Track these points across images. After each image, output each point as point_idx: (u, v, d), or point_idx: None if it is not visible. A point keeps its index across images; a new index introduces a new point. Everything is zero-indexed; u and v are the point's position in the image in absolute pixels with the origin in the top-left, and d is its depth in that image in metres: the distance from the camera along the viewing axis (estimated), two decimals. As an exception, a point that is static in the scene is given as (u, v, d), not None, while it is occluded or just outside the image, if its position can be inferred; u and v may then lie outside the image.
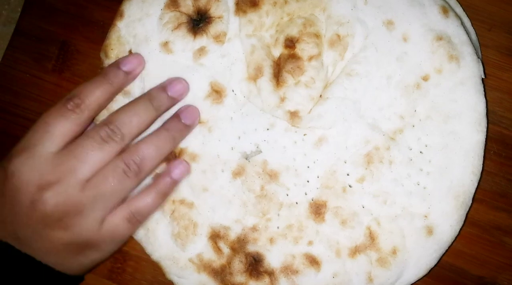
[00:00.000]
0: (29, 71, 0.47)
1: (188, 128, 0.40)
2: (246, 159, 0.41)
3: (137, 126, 0.37)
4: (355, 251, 0.40)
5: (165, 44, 0.41)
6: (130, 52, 0.41)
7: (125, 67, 0.39)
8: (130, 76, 0.40)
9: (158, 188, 0.39)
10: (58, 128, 0.35)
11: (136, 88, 0.41)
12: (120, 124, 0.36)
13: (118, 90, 0.39)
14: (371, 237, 0.40)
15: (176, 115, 0.40)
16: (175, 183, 0.40)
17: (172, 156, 0.41)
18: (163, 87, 0.39)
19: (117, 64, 0.39)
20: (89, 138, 0.36)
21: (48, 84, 0.47)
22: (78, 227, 0.35)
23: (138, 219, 0.38)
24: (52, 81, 0.47)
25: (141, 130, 0.38)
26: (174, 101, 0.40)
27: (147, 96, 0.38)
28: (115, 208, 0.37)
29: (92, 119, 0.38)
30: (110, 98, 0.39)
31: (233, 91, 0.41)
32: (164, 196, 0.39)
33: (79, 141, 0.36)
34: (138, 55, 0.40)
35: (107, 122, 0.37)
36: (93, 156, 0.35)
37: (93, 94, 0.37)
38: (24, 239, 0.35)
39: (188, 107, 0.40)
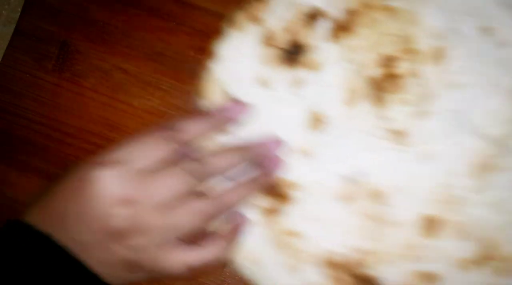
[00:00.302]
0: (29, 71, 0.46)
1: (270, 177, 0.41)
2: (351, 182, 0.41)
3: (225, 172, 0.39)
4: (474, 263, 0.39)
5: (261, 79, 0.41)
6: (227, 93, 0.42)
7: (229, 114, 0.41)
8: (231, 122, 0.41)
9: (227, 245, 0.39)
10: (153, 151, 0.36)
11: (237, 126, 0.41)
12: (213, 167, 0.38)
13: (217, 132, 0.41)
14: (490, 247, 0.39)
15: (263, 166, 0.40)
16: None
17: (274, 188, 0.41)
18: (264, 146, 0.41)
19: (221, 110, 0.41)
20: (178, 168, 0.36)
21: (48, 84, 0.46)
22: (139, 249, 0.35)
23: (197, 269, 0.38)
24: (52, 81, 0.46)
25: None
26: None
27: (246, 151, 0.40)
28: (181, 242, 0.37)
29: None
30: (207, 137, 0.40)
31: (331, 116, 0.41)
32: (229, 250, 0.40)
33: (167, 167, 0.36)
34: (242, 103, 0.41)
35: (201, 160, 0.37)
36: (177, 185, 0.36)
37: (193, 132, 0.38)
38: (82, 246, 0.35)
39: (274, 158, 0.41)
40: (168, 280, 0.43)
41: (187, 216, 0.36)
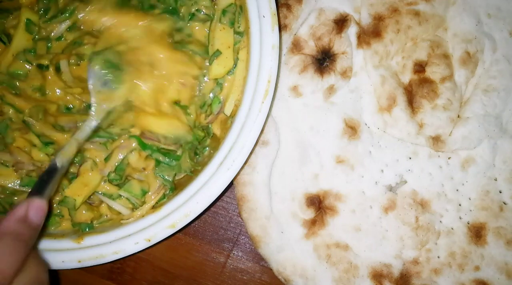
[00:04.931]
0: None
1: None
2: (392, 191, 0.40)
3: None
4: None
5: (294, 88, 0.39)
6: None
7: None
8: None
9: None
10: None
11: (273, 137, 0.39)
12: None
13: None
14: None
15: None
16: None
17: (317, 200, 0.40)
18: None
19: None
20: None
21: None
22: None
23: None
24: None
25: None
26: None
27: None
28: None
29: None
30: None
31: (366, 124, 0.40)
32: None
33: None
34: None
35: None
36: None
37: None
38: None
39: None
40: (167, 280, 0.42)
41: None
